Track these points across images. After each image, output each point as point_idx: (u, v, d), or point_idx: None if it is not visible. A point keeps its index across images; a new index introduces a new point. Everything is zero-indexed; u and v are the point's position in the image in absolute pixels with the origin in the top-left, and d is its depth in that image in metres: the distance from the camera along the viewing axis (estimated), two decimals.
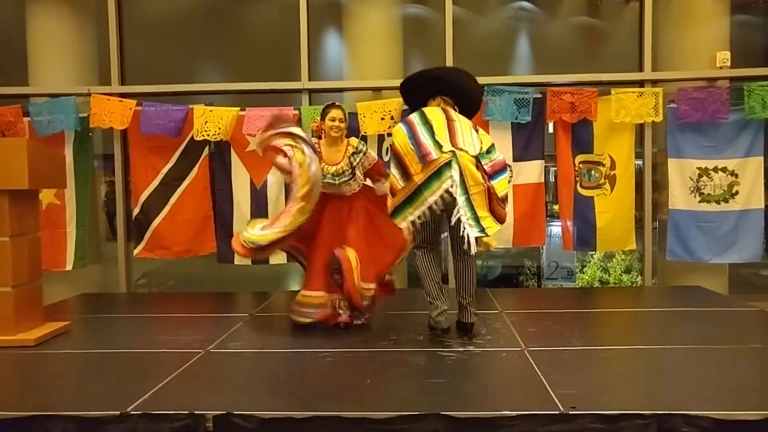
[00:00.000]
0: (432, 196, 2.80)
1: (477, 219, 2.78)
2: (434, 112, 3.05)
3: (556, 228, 5.02)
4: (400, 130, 3.00)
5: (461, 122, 3.05)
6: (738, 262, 4.54)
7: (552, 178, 4.98)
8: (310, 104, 4.66)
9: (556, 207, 4.92)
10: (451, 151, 2.82)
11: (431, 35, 4.95)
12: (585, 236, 4.59)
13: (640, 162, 4.70)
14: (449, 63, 4.57)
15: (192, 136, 4.52)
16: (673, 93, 4.43)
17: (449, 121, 3.00)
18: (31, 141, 3.22)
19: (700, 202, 4.48)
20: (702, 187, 4.48)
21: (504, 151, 4.50)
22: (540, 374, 2.44)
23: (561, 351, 2.79)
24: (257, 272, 4.91)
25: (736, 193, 4.45)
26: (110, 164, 4.88)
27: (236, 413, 2.09)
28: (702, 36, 4.59)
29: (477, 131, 3.09)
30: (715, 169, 4.47)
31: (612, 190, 4.54)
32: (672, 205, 4.52)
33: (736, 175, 4.44)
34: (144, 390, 2.33)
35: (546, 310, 3.69)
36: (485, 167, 2.90)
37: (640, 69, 4.63)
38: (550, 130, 4.68)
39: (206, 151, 4.63)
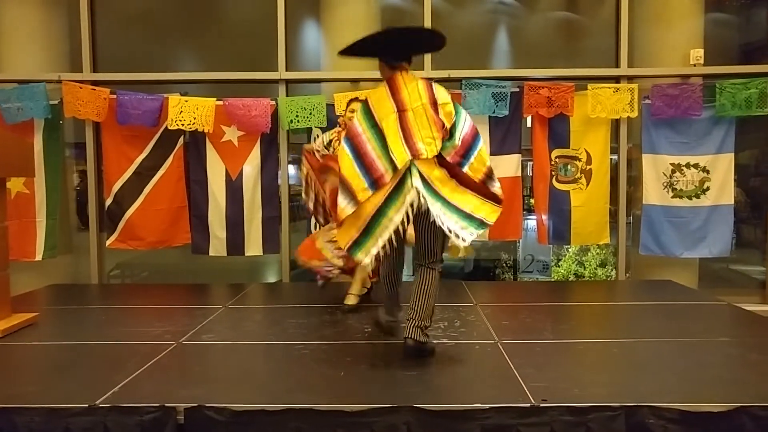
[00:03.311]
0: (398, 215, 2.41)
1: (468, 216, 2.48)
2: (382, 101, 2.59)
3: (532, 222, 5.05)
4: (344, 154, 2.53)
5: (413, 105, 2.55)
6: (708, 257, 4.63)
7: (529, 173, 5.01)
8: (287, 95, 4.62)
9: (532, 201, 4.95)
10: (408, 160, 2.46)
11: None
12: (560, 230, 4.64)
13: (615, 157, 4.76)
14: (427, 56, 4.54)
15: (166, 126, 4.45)
16: (648, 89, 4.49)
17: (401, 112, 2.54)
18: None
19: (672, 197, 4.57)
20: (675, 182, 4.56)
21: None
22: (513, 367, 2.47)
23: (534, 344, 2.81)
24: (232, 264, 4.87)
25: (707, 189, 4.54)
26: (82, 153, 4.78)
27: (208, 405, 2.07)
28: (676, 33, 4.66)
29: (436, 103, 2.57)
30: (688, 165, 4.55)
31: (588, 185, 4.60)
32: (646, 200, 4.59)
33: (708, 171, 4.53)
34: (114, 383, 2.30)
35: (520, 303, 3.73)
36: (448, 158, 2.52)
37: (617, 65, 4.68)
38: (529, 124, 4.71)
39: (181, 141, 4.58)
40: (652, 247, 4.58)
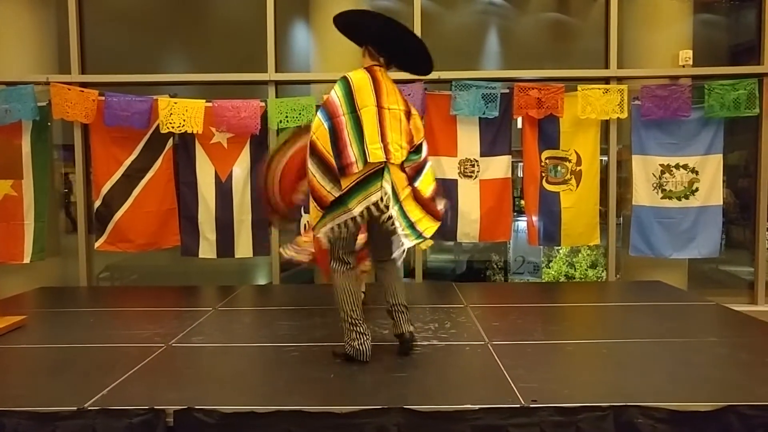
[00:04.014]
0: (358, 207, 2.46)
1: (412, 225, 2.54)
2: (364, 88, 2.54)
3: (523, 223, 5.06)
4: (320, 125, 2.51)
5: (390, 106, 2.58)
6: (697, 258, 4.66)
7: (520, 174, 5.03)
8: (277, 96, 4.61)
9: (523, 202, 4.97)
10: (382, 162, 2.48)
11: None
12: (550, 231, 4.65)
13: (605, 158, 4.78)
14: None
15: (155, 128, 4.44)
16: (638, 90, 4.51)
17: (380, 108, 2.53)
18: None
19: (662, 198, 4.58)
20: (664, 183, 4.58)
21: (472, 146, 4.57)
22: (503, 368, 2.47)
23: (524, 345, 2.82)
24: (222, 266, 4.85)
25: (696, 189, 4.57)
26: (70, 155, 4.75)
27: (197, 408, 2.06)
28: (665, 34, 4.69)
29: (409, 116, 2.66)
30: (677, 166, 4.57)
31: (577, 186, 4.61)
32: (636, 201, 4.61)
33: (697, 172, 4.56)
34: (102, 385, 2.28)
35: (511, 305, 3.73)
36: (408, 170, 2.60)
37: (606, 66, 4.70)
38: (519, 125, 4.72)
39: (170, 142, 4.56)
40: (641, 248, 4.60)
